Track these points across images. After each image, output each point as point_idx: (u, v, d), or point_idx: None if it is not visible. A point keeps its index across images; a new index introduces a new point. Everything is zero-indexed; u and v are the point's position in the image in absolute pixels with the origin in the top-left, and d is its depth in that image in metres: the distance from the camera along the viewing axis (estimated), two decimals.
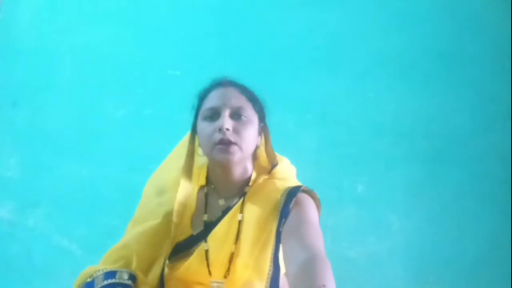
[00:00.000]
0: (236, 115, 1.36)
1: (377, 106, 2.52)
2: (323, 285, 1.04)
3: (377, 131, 2.51)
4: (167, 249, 1.38)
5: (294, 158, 1.56)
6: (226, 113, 1.35)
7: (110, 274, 1.28)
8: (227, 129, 1.32)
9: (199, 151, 1.43)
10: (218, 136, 1.33)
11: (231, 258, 1.35)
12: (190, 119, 1.46)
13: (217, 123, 1.34)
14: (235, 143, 1.33)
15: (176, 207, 1.38)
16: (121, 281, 1.26)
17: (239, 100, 1.38)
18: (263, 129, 1.45)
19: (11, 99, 2.44)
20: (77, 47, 2.49)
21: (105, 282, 1.26)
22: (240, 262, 1.35)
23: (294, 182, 1.44)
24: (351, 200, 2.47)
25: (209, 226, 1.38)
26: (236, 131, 1.34)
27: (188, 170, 1.43)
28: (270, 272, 1.29)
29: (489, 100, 2.54)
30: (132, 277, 1.29)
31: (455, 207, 2.48)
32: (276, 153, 1.49)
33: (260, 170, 1.45)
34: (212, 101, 1.38)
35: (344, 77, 2.53)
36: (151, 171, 1.55)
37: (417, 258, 2.45)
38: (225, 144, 1.32)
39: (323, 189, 1.46)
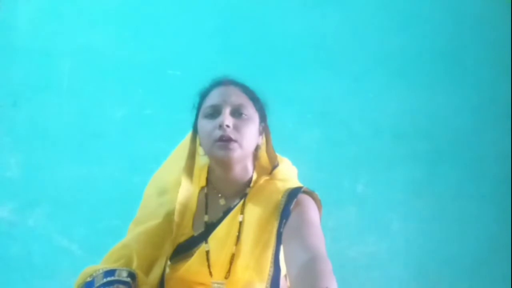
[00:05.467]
0: (236, 112, 1.36)
1: (377, 106, 2.52)
2: None
3: (377, 131, 2.51)
4: (168, 249, 1.38)
5: (294, 158, 1.56)
6: (227, 110, 1.35)
7: (109, 272, 1.28)
8: (227, 126, 1.33)
9: (200, 151, 1.43)
10: (218, 133, 1.33)
11: (232, 259, 1.35)
12: (190, 119, 1.46)
13: (217, 120, 1.34)
14: (235, 140, 1.33)
15: (177, 206, 1.38)
16: (120, 278, 1.27)
17: (240, 98, 1.38)
18: (264, 130, 1.45)
19: (11, 99, 2.44)
20: (77, 47, 2.49)
21: (104, 280, 1.26)
22: (241, 263, 1.35)
23: (295, 183, 1.44)
24: (351, 200, 2.47)
25: (210, 227, 1.38)
26: (236, 128, 1.34)
27: (189, 171, 1.43)
28: (271, 273, 1.29)
29: (489, 100, 2.54)
30: (131, 275, 1.29)
31: (455, 207, 2.48)
32: (277, 153, 1.49)
33: (261, 171, 1.45)
34: (212, 99, 1.38)
35: (344, 77, 2.53)
36: (151, 171, 1.55)
37: (417, 258, 2.46)
38: (225, 141, 1.32)
39: (323, 189, 1.46)
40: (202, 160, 1.47)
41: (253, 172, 1.43)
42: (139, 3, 2.56)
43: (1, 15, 2.48)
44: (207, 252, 1.36)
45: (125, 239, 1.39)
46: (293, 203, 1.32)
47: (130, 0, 2.56)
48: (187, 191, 1.42)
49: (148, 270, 1.37)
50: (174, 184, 1.43)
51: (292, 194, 1.34)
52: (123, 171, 2.39)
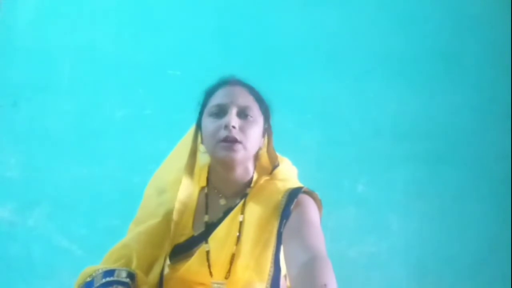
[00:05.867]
0: (242, 114, 1.36)
1: (377, 106, 2.52)
2: (324, 285, 1.04)
3: (377, 131, 2.51)
4: (168, 248, 1.38)
5: (294, 158, 1.56)
6: (233, 111, 1.35)
7: (109, 272, 1.28)
8: (233, 127, 1.32)
9: (201, 148, 1.43)
10: (223, 133, 1.33)
11: (232, 259, 1.35)
12: (190, 119, 1.46)
13: (223, 120, 1.34)
14: (239, 142, 1.33)
15: (176, 205, 1.38)
16: (119, 279, 1.27)
17: (247, 100, 1.38)
18: (267, 131, 1.45)
19: (11, 99, 2.44)
20: (77, 47, 2.49)
21: (103, 281, 1.26)
22: (241, 263, 1.35)
23: (295, 183, 1.44)
24: (351, 200, 2.47)
25: (210, 227, 1.38)
26: (241, 129, 1.34)
27: (190, 169, 1.43)
28: (271, 273, 1.29)
29: (489, 100, 2.54)
30: (131, 276, 1.29)
31: (455, 207, 2.48)
32: (277, 153, 1.49)
33: (261, 171, 1.45)
34: (219, 98, 1.38)
35: (344, 77, 2.53)
36: (151, 171, 1.55)
37: (417, 258, 2.45)
38: (230, 141, 1.32)
39: (323, 189, 1.46)
40: (202, 158, 1.46)
41: (253, 172, 1.43)
42: (139, 3, 2.56)
43: (1, 15, 2.48)
44: (207, 252, 1.36)
45: (125, 239, 1.39)
46: (294, 203, 1.32)
47: (130, 0, 2.56)
48: (187, 189, 1.42)
49: (148, 270, 1.37)
50: (173, 183, 1.42)
51: (293, 194, 1.34)
52: (123, 171, 2.39)
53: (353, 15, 2.57)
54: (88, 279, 1.28)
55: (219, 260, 1.35)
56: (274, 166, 1.46)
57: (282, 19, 2.55)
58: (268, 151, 1.47)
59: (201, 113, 1.42)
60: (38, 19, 2.50)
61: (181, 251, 1.39)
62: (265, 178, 1.43)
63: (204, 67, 2.37)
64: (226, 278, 1.36)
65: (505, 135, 2.51)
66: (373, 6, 2.57)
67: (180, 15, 2.55)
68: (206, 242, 1.36)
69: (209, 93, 1.42)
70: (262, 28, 2.54)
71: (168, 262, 1.41)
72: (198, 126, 1.43)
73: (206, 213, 1.41)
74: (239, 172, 1.39)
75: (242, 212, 1.37)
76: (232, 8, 2.55)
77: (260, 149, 1.43)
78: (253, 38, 2.53)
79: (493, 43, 2.57)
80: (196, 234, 1.39)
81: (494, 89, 2.55)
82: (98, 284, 1.26)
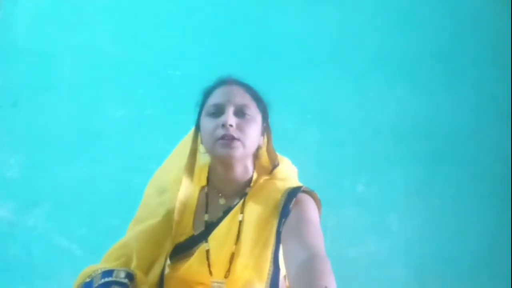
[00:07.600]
0: (240, 112, 1.37)
1: (377, 106, 2.52)
2: (326, 287, 1.04)
3: (377, 131, 2.51)
4: (168, 248, 1.38)
5: (294, 158, 1.57)
6: (230, 109, 1.35)
7: (108, 273, 1.28)
8: (231, 125, 1.33)
9: (201, 148, 1.43)
10: (221, 132, 1.33)
11: (232, 258, 1.35)
12: (190, 119, 1.46)
13: (221, 119, 1.34)
14: (238, 139, 1.33)
15: (177, 205, 1.39)
16: (118, 279, 1.27)
17: (244, 98, 1.38)
18: (266, 129, 1.45)
19: (11, 99, 2.44)
20: (77, 47, 2.49)
21: (102, 281, 1.26)
22: (241, 262, 1.35)
23: (294, 182, 1.44)
24: (351, 200, 2.47)
25: (210, 226, 1.38)
26: (239, 127, 1.34)
27: (190, 169, 1.44)
28: (270, 272, 1.29)
29: (489, 100, 2.54)
30: (130, 276, 1.29)
31: (455, 207, 2.48)
32: (277, 153, 1.49)
33: (261, 170, 1.46)
34: (216, 97, 1.39)
35: (344, 77, 2.53)
36: (151, 171, 1.55)
37: (417, 258, 2.46)
38: (228, 139, 1.32)
39: (323, 189, 1.46)
40: (203, 158, 1.47)
41: (253, 172, 1.43)
42: (139, 3, 2.56)
43: (1, 15, 2.48)
44: (207, 252, 1.36)
45: (124, 238, 1.39)
46: (293, 202, 1.32)
47: (130, 0, 2.56)
48: (187, 189, 1.42)
49: (148, 269, 1.37)
50: (173, 183, 1.43)
51: (292, 193, 1.35)
52: (123, 171, 2.39)
53: (353, 15, 2.57)
54: (87, 280, 1.28)
55: (219, 259, 1.36)
56: (274, 165, 1.47)
57: (282, 19, 2.55)
58: (267, 150, 1.47)
59: (199, 114, 1.43)
60: (38, 19, 2.51)
61: (181, 251, 1.39)
62: (264, 177, 1.44)
63: (204, 67, 2.37)
64: (225, 277, 1.36)
65: (505, 135, 2.51)
66: (373, 6, 2.58)
67: (180, 15, 2.55)
68: (206, 241, 1.36)
69: (207, 94, 1.42)
70: (262, 28, 2.54)
71: (168, 262, 1.41)
72: (197, 127, 1.44)
73: (206, 212, 1.41)
74: (238, 171, 1.39)
75: (242, 212, 1.37)
76: (232, 8, 2.55)
77: (259, 148, 1.43)
78: (253, 38, 2.53)
79: (493, 43, 2.57)
80: (196, 233, 1.39)
81: (494, 89, 2.55)
82: (97, 285, 1.26)
